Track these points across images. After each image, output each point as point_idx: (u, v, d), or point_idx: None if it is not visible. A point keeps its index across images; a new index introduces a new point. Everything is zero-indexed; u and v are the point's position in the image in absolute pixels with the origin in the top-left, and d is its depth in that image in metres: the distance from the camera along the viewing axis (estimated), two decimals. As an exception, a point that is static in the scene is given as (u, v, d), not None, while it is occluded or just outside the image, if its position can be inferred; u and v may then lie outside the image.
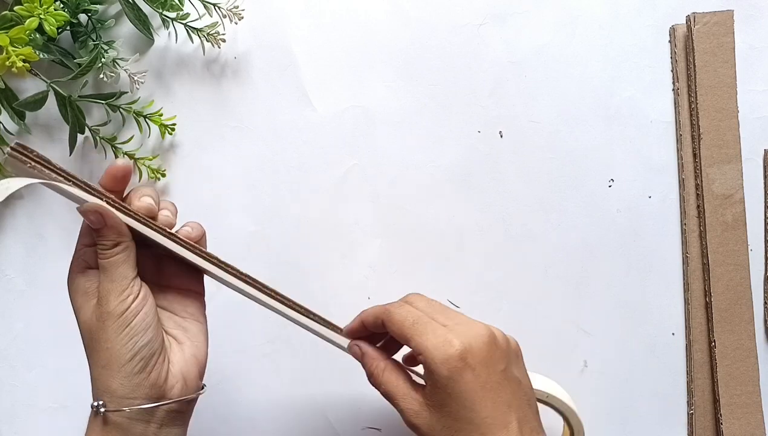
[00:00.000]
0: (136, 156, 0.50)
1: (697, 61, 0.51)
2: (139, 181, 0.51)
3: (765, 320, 0.52)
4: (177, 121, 0.51)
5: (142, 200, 0.38)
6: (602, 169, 0.53)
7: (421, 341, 0.36)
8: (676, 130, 0.53)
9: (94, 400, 0.36)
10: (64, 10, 0.44)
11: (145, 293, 0.37)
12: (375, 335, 0.41)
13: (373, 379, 0.39)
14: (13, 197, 0.51)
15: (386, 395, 0.38)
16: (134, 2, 0.48)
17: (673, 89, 0.53)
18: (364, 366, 0.40)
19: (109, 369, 0.35)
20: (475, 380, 0.35)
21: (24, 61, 0.42)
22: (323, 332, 0.41)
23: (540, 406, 0.49)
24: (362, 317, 0.40)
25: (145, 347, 0.36)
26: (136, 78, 0.48)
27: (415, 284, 0.52)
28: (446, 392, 0.35)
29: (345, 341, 0.41)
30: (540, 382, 0.48)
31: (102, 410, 0.35)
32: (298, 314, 0.40)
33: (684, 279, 0.53)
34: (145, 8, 0.49)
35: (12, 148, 0.33)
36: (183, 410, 0.38)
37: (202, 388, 0.40)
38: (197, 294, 0.41)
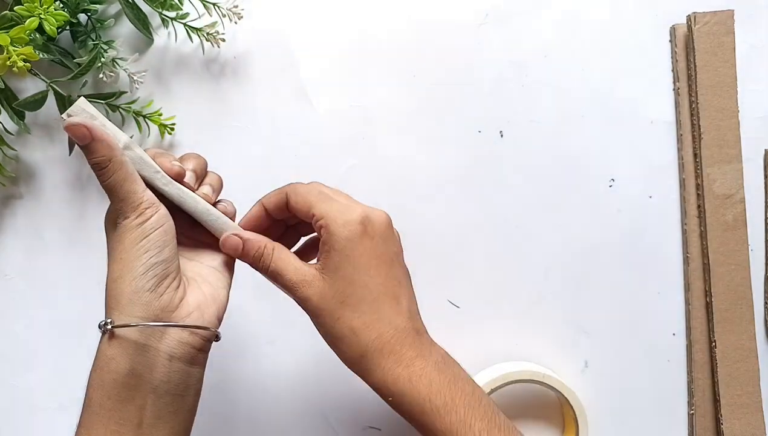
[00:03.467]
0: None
1: (697, 60, 0.51)
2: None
3: (766, 321, 0.52)
4: (176, 120, 0.51)
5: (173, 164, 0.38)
6: (603, 169, 0.53)
7: (324, 206, 0.37)
8: (677, 129, 0.53)
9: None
10: (64, 10, 0.44)
11: (165, 211, 0.36)
12: (270, 232, 0.40)
13: (261, 262, 0.38)
14: (13, 197, 0.51)
15: (275, 273, 0.38)
16: (134, 2, 0.48)
17: (674, 89, 0.53)
18: (247, 254, 0.38)
19: (121, 281, 0.34)
20: (373, 248, 0.36)
21: (24, 60, 0.42)
22: (220, 223, 0.39)
23: (538, 388, 0.51)
24: (263, 199, 0.40)
25: (159, 264, 0.35)
26: (135, 78, 0.48)
27: (414, 284, 0.52)
28: (344, 254, 0.36)
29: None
30: (533, 367, 0.50)
31: (109, 327, 0.34)
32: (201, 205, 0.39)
33: (684, 279, 0.53)
34: (145, 8, 0.49)
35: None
36: (196, 345, 0.36)
37: (218, 336, 0.38)
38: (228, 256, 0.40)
